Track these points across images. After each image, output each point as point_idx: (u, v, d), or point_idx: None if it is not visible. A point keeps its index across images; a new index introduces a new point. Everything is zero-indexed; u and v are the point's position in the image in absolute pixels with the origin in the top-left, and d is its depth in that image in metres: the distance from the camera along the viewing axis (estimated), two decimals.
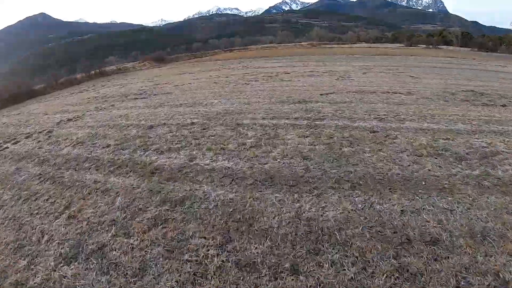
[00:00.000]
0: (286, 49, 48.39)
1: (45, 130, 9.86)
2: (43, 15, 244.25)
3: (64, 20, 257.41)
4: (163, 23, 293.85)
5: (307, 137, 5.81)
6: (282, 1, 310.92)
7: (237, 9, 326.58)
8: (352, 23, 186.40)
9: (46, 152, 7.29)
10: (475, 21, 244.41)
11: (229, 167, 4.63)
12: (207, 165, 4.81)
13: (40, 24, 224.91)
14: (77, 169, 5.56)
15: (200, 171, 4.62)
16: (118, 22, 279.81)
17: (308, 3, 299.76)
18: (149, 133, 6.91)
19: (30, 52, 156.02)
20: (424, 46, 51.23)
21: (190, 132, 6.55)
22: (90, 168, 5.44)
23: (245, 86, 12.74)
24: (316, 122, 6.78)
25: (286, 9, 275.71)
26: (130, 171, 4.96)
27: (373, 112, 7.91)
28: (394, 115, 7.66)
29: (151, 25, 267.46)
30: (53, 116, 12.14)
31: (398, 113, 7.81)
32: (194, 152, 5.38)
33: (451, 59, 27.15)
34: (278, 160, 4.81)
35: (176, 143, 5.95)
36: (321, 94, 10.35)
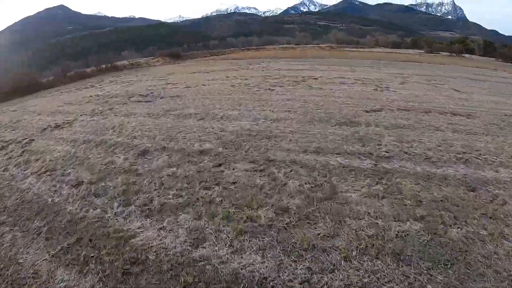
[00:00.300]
0: (305, 51, 45.92)
1: (26, 139, 7.89)
2: (62, 7, 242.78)
3: (83, 13, 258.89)
4: (181, 19, 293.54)
5: (382, 198, 3.57)
6: (300, 2, 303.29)
7: (255, 8, 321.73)
8: (371, 27, 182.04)
9: (7, 180, 5.29)
10: (494, 30, 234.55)
11: (266, 278, 2.42)
12: (224, 262, 2.58)
13: (59, 16, 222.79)
14: (22, 231, 3.50)
15: (214, 280, 2.44)
16: (137, 17, 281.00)
17: (327, 5, 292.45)
18: (139, 165, 4.77)
19: (45, 43, 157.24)
20: (447, 54, 47.89)
21: (197, 171, 4.37)
22: (39, 233, 3.34)
23: (269, 93, 10.50)
24: (384, 165, 4.50)
25: (304, 10, 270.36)
26: (91, 256, 2.83)
27: (448, 147, 5.62)
28: (476, 153, 5.40)
29: (169, 21, 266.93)
30: (44, 118, 10.25)
31: (479, 150, 5.56)
32: (201, 222, 3.17)
33: (483, 70, 24.30)
34: (356, 261, 2.59)
35: (174, 194, 3.78)
36: (366, 111, 8.04)
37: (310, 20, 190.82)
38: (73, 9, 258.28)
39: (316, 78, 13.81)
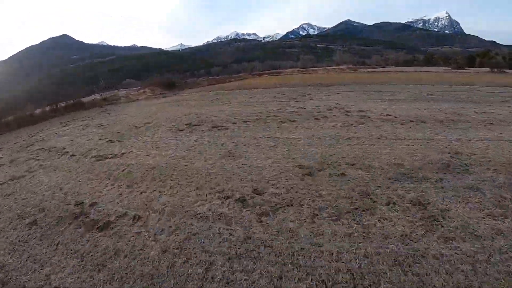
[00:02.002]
0: (330, 75, 36.22)
1: None
2: (66, 37, 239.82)
3: (87, 42, 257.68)
4: (183, 47, 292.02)
5: None
6: (299, 27, 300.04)
7: (255, 34, 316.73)
8: (371, 47, 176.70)
9: None
10: (493, 41, 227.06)
11: None
12: None
13: (63, 46, 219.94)
14: None
15: None
16: (139, 45, 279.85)
17: (325, 28, 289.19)
18: None
19: (47, 73, 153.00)
20: (488, 69, 37.93)
21: None
22: None
23: None
24: None
25: (304, 34, 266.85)
26: None
27: None
28: None
29: (171, 49, 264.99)
30: None
31: None
32: None
33: None
34: None
35: None
36: None
37: (310, 43, 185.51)
38: (77, 38, 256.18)
39: None
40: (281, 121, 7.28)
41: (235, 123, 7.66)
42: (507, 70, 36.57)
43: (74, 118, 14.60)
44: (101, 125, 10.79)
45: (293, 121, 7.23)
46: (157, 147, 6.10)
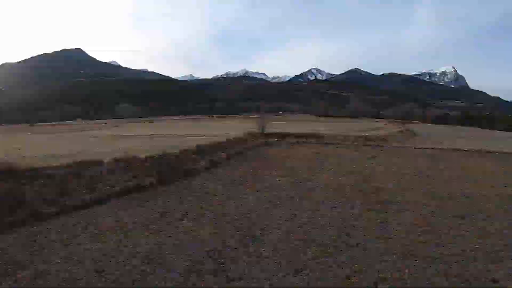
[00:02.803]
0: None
1: None
2: (79, 51, 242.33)
3: (98, 59, 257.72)
4: (191, 79, 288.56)
5: None
6: (308, 71, 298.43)
7: (264, 74, 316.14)
8: (381, 97, 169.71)
9: None
10: (497, 97, 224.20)
11: None
12: None
13: (75, 59, 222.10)
14: None
15: None
16: (149, 70, 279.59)
17: (333, 74, 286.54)
18: None
19: (54, 83, 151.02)
20: None
21: None
22: None
23: None
24: None
25: (312, 78, 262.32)
26: None
27: None
28: None
29: (181, 79, 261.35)
30: None
31: None
32: None
33: None
34: None
35: None
36: None
37: (320, 88, 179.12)
38: (90, 54, 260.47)
39: None
40: None
41: None
42: None
43: None
44: None
45: None
46: None
